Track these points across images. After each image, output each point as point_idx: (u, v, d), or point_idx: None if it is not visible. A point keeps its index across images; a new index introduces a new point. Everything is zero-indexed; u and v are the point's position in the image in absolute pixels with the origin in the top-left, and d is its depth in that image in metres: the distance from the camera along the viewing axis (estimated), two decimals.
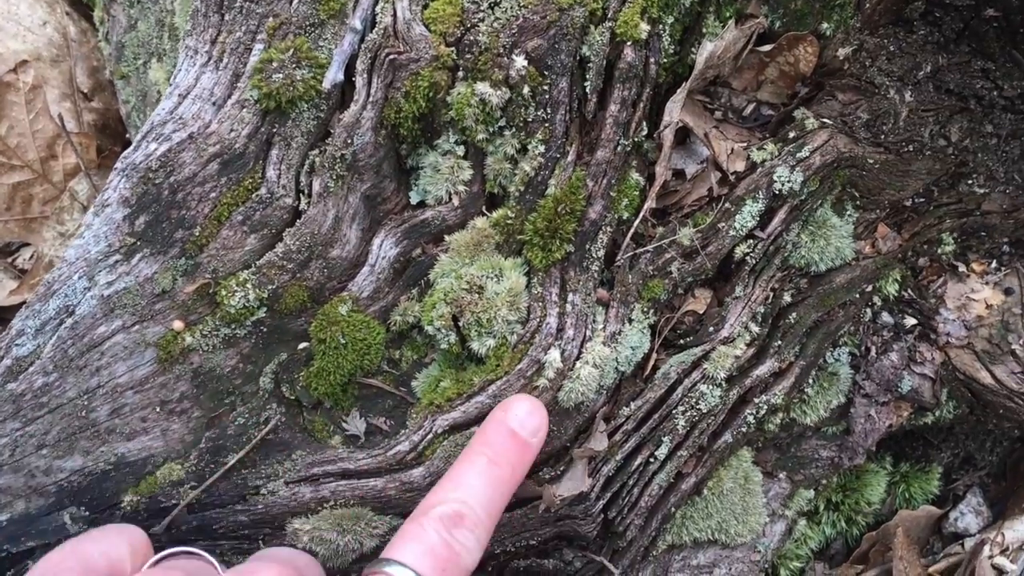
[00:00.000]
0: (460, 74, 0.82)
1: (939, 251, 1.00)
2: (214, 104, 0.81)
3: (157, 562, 0.69)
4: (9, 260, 1.29)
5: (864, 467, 1.09)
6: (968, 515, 1.13)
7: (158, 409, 0.82)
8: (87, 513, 0.81)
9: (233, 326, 0.83)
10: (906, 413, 1.00)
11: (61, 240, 1.25)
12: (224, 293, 0.81)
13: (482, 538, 0.69)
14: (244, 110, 0.81)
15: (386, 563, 0.64)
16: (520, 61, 0.81)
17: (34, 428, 0.79)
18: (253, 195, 0.81)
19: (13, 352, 0.78)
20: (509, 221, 0.85)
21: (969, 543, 1.11)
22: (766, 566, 1.00)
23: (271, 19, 0.81)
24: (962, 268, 1.00)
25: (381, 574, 0.63)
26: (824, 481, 1.01)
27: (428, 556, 0.65)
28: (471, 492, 0.70)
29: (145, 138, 0.81)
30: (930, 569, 1.09)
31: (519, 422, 0.76)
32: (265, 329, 0.84)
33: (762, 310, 0.90)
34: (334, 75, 0.80)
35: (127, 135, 1.27)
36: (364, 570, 0.65)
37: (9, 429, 0.78)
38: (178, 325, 0.81)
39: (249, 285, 0.81)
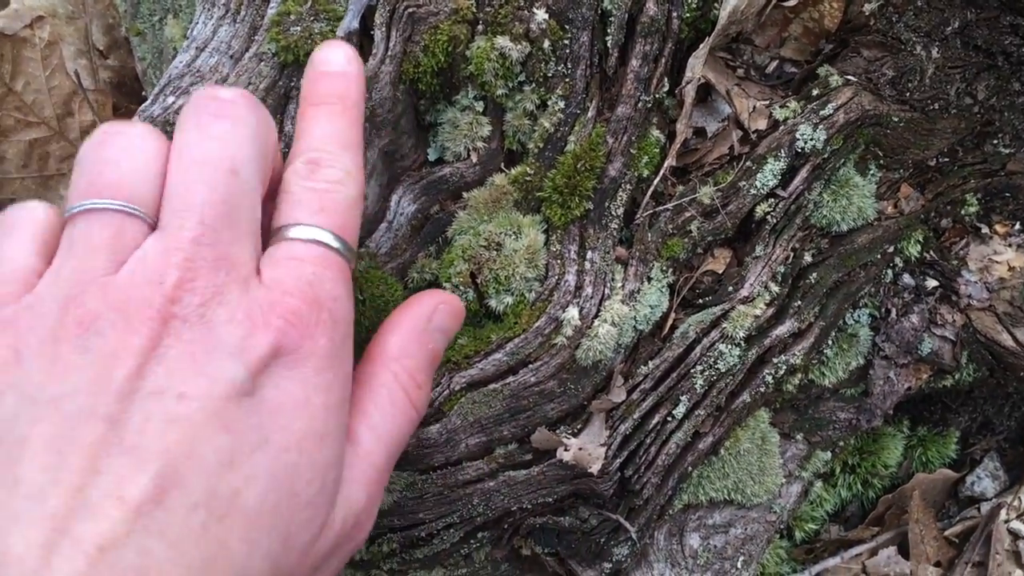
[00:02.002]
0: (480, 28, 0.81)
1: (962, 212, 0.98)
2: (232, 57, 0.81)
3: None
4: None
5: (881, 430, 1.09)
6: (985, 479, 1.13)
7: None
8: None
9: None
10: (925, 376, 0.99)
11: None
12: None
13: (347, 165, 0.67)
14: (262, 63, 0.80)
15: (275, 233, 0.63)
16: (541, 14, 0.80)
17: None
18: None
19: None
20: (528, 178, 0.85)
21: (985, 507, 1.11)
22: (781, 527, 1.00)
23: None
24: (985, 230, 0.99)
25: (276, 244, 0.62)
26: (841, 443, 1.01)
27: (301, 207, 0.63)
28: (311, 140, 0.68)
29: (163, 91, 0.80)
30: (946, 532, 1.09)
31: (324, 63, 0.72)
32: None
33: (782, 270, 0.90)
34: (348, 23, 0.79)
35: (143, 92, 1.26)
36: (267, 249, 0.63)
37: None
38: None
39: None
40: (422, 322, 0.71)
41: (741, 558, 0.96)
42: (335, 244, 0.62)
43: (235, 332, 0.55)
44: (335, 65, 0.72)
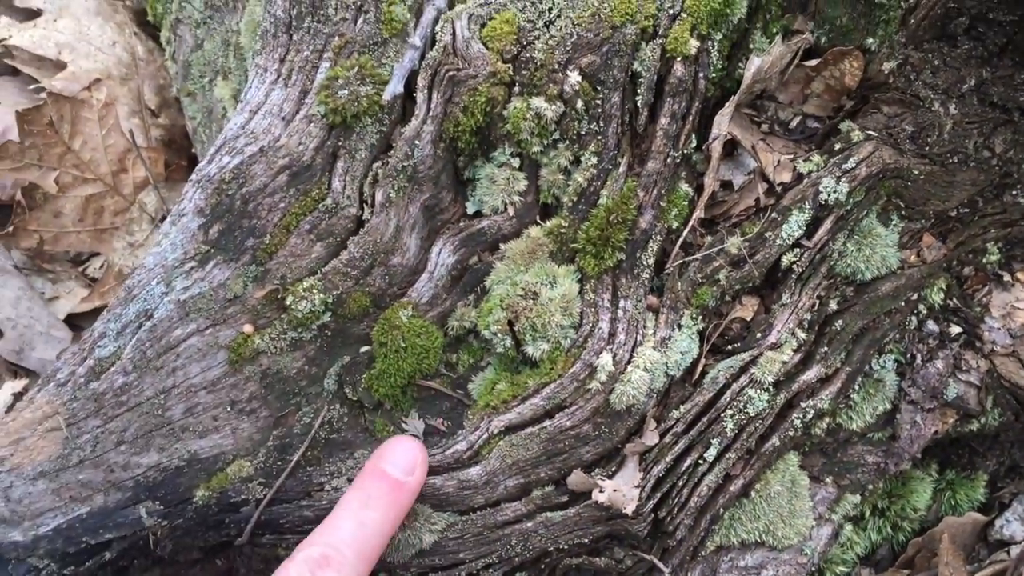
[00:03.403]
0: (516, 89, 0.86)
1: (984, 260, 1.01)
2: (283, 119, 0.86)
3: None
4: (80, 269, 1.35)
5: (910, 474, 1.10)
6: (1014, 523, 1.13)
7: (229, 409, 0.87)
8: (161, 507, 0.85)
9: (300, 330, 0.87)
10: (951, 420, 1.01)
11: (130, 250, 1.31)
12: (292, 298, 0.85)
13: (352, 573, 0.72)
14: (311, 124, 0.85)
15: None
16: (574, 76, 0.85)
17: (114, 425, 0.83)
18: (319, 205, 0.85)
19: (96, 353, 0.83)
20: (562, 230, 0.89)
21: (1015, 550, 1.11)
22: (813, 569, 1.02)
23: (337, 38, 0.85)
24: (1007, 277, 1.02)
25: None
26: (870, 486, 1.02)
27: None
28: (340, 536, 0.73)
29: (219, 151, 0.85)
30: (976, 575, 1.10)
31: (392, 463, 0.79)
32: (329, 333, 0.88)
33: (809, 317, 0.92)
34: (394, 88, 0.85)
35: (192, 150, 1.32)
36: None
37: (91, 426, 0.83)
38: (248, 329, 0.86)
39: (315, 291, 0.85)
40: None
41: None
42: None
43: None
44: (399, 472, 0.79)
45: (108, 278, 1.30)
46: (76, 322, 1.30)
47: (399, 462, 0.80)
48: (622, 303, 0.88)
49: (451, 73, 0.85)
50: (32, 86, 1.35)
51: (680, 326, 0.90)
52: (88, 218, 1.30)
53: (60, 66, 1.35)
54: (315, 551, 0.71)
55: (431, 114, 0.86)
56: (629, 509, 0.86)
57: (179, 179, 1.34)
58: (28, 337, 1.25)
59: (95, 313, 1.14)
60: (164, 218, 0.91)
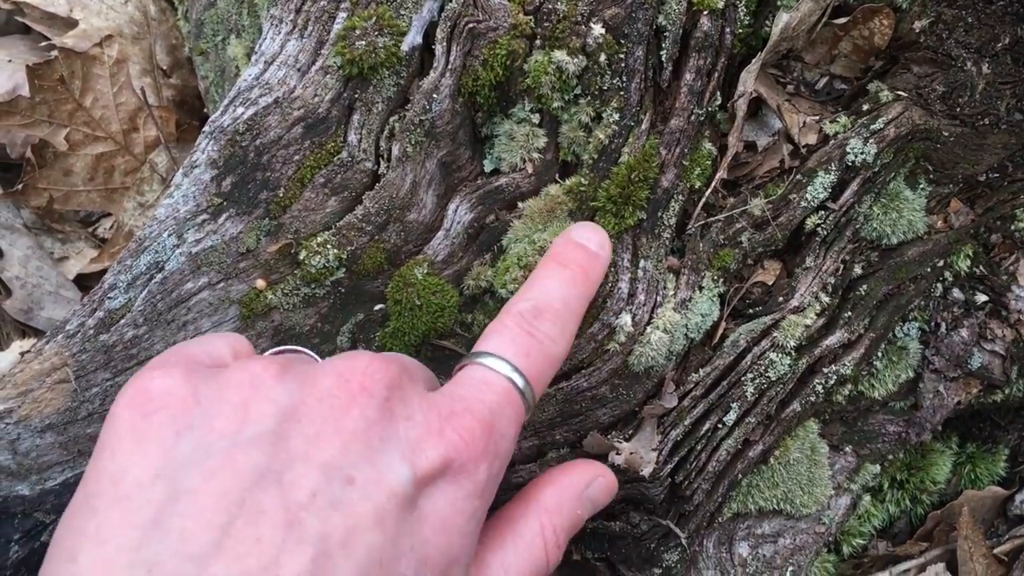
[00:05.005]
0: (537, 42, 0.84)
1: (1012, 228, 0.99)
2: (299, 70, 0.84)
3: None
4: (90, 229, 1.33)
5: (930, 446, 1.08)
6: None
7: None
8: None
9: (313, 286, 0.85)
10: (975, 390, 1.00)
11: (140, 210, 1.29)
12: (305, 253, 0.84)
13: (565, 328, 0.72)
14: (328, 76, 0.83)
15: (474, 356, 0.67)
16: (597, 29, 0.83)
17: (123, 379, 0.82)
18: (335, 158, 0.84)
19: (106, 305, 0.82)
20: (582, 188, 0.87)
21: None
22: (830, 539, 1.00)
23: None
24: None
25: (471, 365, 0.66)
26: (890, 457, 1.01)
27: (511, 344, 0.67)
28: (546, 291, 0.73)
29: (232, 103, 0.83)
30: (995, 550, 1.08)
31: (584, 238, 0.79)
32: (343, 290, 0.87)
33: (832, 281, 0.91)
34: (412, 39, 0.83)
35: (205, 110, 1.31)
36: (456, 367, 0.68)
37: (100, 379, 0.82)
38: (261, 283, 0.84)
39: (329, 246, 0.84)
40: (580, 486, 0.73)
41: (790, 568, 0.96)
42: (525, 390, 0.65)
43: (411, 431, 0.57)
44: (592, 245, 0.79)
45: (118, 239, 1.28)
46: (85, 282, 1.29)
47: (591, 238, 0.80)
48: (642, 263, 0.86)
49: (471, 25, 0.83)
50: (43, 43, 1.34)
51: (701, 288, 0.88)
52: (98, 177, 1.29)
53: (71, 24, 1.33)
54: (525, 305, 0.72)
55: (450, 67, 0.84)
56: (646, 472, 0.84)
57: (190, 140, 1.32)
58: (37, 296, 1.24)
59: (104, 274, 1.12)
60: None
